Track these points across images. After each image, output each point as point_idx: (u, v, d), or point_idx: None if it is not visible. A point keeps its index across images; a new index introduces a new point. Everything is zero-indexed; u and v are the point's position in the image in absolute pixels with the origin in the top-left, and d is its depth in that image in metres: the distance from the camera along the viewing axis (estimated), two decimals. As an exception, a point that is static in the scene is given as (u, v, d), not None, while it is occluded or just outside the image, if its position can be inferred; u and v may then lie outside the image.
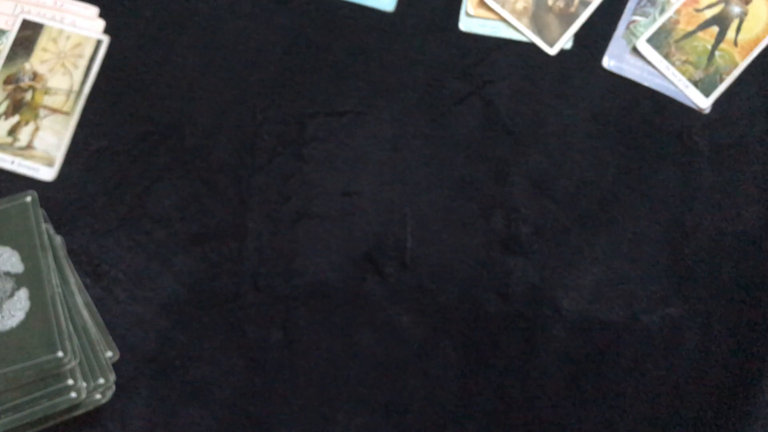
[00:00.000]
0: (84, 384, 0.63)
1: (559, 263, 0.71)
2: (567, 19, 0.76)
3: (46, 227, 0.68)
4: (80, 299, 0.67)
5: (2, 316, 0.63)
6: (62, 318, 0.64)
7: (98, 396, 0.64)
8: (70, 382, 0.62)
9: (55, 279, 0.66)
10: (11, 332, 0.63)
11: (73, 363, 0.62)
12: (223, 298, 0.70)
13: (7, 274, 0.65)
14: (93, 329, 0.66)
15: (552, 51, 0.76)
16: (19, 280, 0.65)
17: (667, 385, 0.69)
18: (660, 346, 0.70)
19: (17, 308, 0.64)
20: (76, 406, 0.63)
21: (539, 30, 0.76)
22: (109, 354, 0.66)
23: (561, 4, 0.77)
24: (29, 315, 0.64)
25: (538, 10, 0.77)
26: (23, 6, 0.77)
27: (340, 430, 0.67)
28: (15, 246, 0.66)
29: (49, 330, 0.63)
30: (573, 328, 0.70)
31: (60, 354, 0.62)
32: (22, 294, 0.64)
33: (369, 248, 0.72)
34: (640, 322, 0.70)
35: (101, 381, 0.64)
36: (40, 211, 0.68)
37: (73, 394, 0.62)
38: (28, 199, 0.68)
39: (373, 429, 0.68)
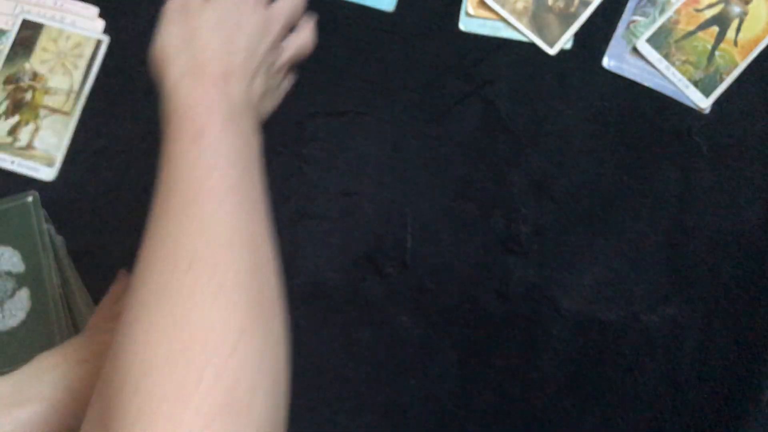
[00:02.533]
0: (84, 384, 0.63)
1: (559, 263, 0.71)
2: (567, 19, 0.76)
3: (48, 227, 0.68)
4: (81, 299, 0.67)
5: (3, 316, 0.63)
6: (63, 318, 0.64)
7: (99, 396, 0.64)
8: (71, 382, 0.62)
9: (56, 279, 0.66)
10: (12, 332, 0.63)
11: (74, 363, 0.62)
12: (224, 298, 0.70)
13: (8, 273, 0.65)
14: (93, 329, 0.66)
15: (552, 51, 0.76)
16: (20, 280, 0.65)
17: (667, 385, 0.69)
18: (660, 346, 0.70)
19: (18, 308, 0.64)
20: (77, 406, 0.63)
21: (539, 30, 0.76)
22: (110, 354, 0.66)
23: (561, 4, 0.77)
24: (30, 315, 0.64)
25: (538, 10, 0.77)
26: (23, 6, 0.77)
27: (341, 430, 0.67)
28: (16, 246, 0.66)
29: (50, 330, 0.63)
30: (573, 328, 0.70)
31: (60, 354, 0.62)
32: (23, 294, 0.64)
33: (369, 248, 0.72)
34: (640, 322, 0.70)
35: (102, 381, 0.64)
36: (42, 211, 0.68)
37: (74, 394, 0.62)
38: (30, 199, 0.68)
39: (373, 429, 0.68)
